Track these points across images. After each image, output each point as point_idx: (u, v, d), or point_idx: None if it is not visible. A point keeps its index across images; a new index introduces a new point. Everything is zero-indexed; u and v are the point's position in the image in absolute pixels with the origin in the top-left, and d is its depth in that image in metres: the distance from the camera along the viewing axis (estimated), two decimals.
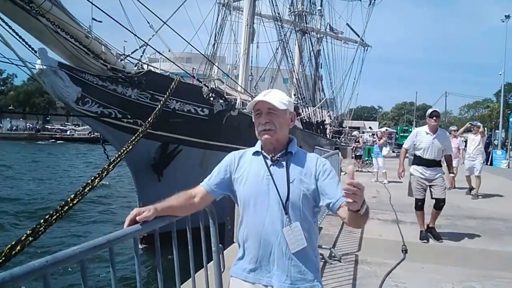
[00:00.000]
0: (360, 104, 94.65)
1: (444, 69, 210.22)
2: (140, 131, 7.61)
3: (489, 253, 5.30)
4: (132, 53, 9.89)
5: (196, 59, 24.10)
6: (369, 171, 15.24)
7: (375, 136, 16.20)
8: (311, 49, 33.73)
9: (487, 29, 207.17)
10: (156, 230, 1.81)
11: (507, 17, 28.36)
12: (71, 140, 59.64)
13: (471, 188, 9.86)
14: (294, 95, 25.80)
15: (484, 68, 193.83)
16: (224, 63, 28.89)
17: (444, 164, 6.07)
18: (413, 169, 5.95)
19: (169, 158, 10.21)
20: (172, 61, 10.24)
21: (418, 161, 5.85)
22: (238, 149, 1.99)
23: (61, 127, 68.62)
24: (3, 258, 4.35)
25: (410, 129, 35.57)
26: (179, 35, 10.04)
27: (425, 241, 5.68)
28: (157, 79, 9.76)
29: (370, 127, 44.64)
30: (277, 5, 23.30)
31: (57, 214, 5.36)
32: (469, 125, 10.06)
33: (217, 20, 24.90)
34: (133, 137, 7.27)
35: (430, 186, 5.74)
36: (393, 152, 27.13)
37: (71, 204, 5.51)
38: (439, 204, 5.68)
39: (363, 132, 35.42)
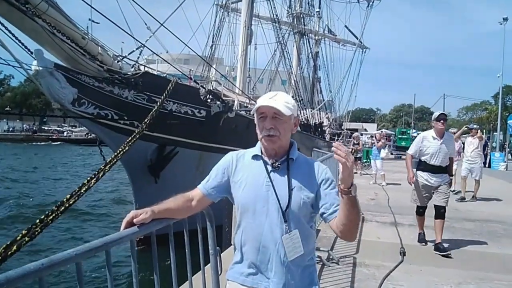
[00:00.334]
0: (358, 106, 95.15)
1: (442, 71, 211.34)
2: (136, 132, 7.57)
3: (487, 256, 5.30)
4: (129, 54, 9.85)
5: (194, 60, 24.04)
6: (367, 173, 15.23)
7: (373, 138, 16.19)
8: (309, 51, 33.82)
9: (485, 31, 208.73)
10: (153, 233, 1.80)
11: (505, 19, 28.42)
12: (68, 141, 59.56)
13: (462, 198, 9.68)
14: (292, 97, 25.69)
15: (482, 71, 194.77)
16: (222, 64, 28.91)
17: None
18: (417, 175, 5.68)
19: (166, 160, 10.17)
20: (169, 63, 10.21)
21: (424, 167, 5.57)
22: (235, 151, 1.95)
23: (58, 129, 68.55)
24: None
25: (408, 131, 35.76)
26: (176, 37, 10.01)
27: (423, 243, 5.61)
28: (154, 80, 9.73)
29: (365, 129, 44.73)
30: (275, 7, 23.40)
31: (53, 215, 5.33)
32: (466, 128, 10.03)
33: (215, 22, 24.97)
34: (130, 138, 7.23)
35: (432, 193, 5.55)
36: (391, 154, 27.20)
37: (67, 205, 5.48)
38: (440, 211, 5.43)
39: (361, 134, 35.43)
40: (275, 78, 30.34)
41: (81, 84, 8.47)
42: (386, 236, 6.06)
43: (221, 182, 1.86)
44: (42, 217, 5.35)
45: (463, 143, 10.87)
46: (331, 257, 4.85)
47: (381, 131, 20.01)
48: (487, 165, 20.58)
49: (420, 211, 5.72)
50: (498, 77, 30.87)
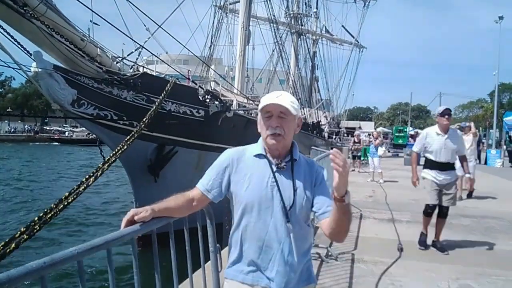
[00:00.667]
0: (356, 105, 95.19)
1: (438, 69, 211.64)
2: (135, 131, 7.60)
3: (484, 251, 5.36)
4: (128, 55, 9.90)
5: (193, 61, 24.06)
6: (365, 171, 15.30)
7: (371, 136, 16.26)
8: (307, 51, 33.89)
9: (481, 30, 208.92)
10: (154, 231, 1.80)
11: (501, 18, 28.51)
12: (70, 142, 59.46)
13: (459, 197, 9.66)
14: None
15: (478, 69, 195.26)
16: (221, 64, 28.93)
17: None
18: (425, 174, 5.43)
19: (165, 159, 10.21)
20: (167, 63, 10.25)
21: (430, 164, 5.33)
22: None
23: (60, 129, 68.43)
24: None
25: (405, 129, 35.75)
26: (174, 38, 10.07)
27: (423, 248, 5.34)
28: (152, 81, 9.76)
29: (359, 127, 44.80)
30: (272, 8, 23.43)
31: (52, 212, 5.35)
32: (458, 126, 10.01)
33: (213, 22, 24.98)
34: (128, 137, 7.26)
35: (442, 192, 5.31)
36: (389, 152, 27.26)
37: (65, 203, 5.50)
38: (443, 211, 5.33)
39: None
40: (273, 78, 30.37)
41: (80, 85, 8.50)
42: (384, 233, 6.12)
43: (222, 181, 1.84)
44: (41, 214, 5.36)
45: None
46: (329, 253, 4.90)
47: (375, 130, 20.11)
48: (483, 162, 20.69)
49: (428, 212, 5.42)
50: (494, 75, 30.96)
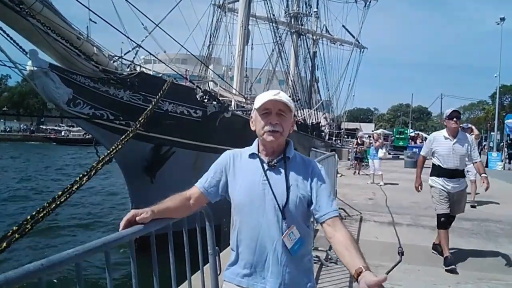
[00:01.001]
0: (356, 106, 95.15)
1: (439, 71, 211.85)
2: (130, 130, 7.50)
3: (485, 255, 5.29)
4: (124, 54, 9.82)
5: (191, 60, 23.98)
6: (366, 174, 15.23)
7: (371, 138, 16.20)
8: (307, 51, 33.81)
9: (482, 31, 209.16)
10: (153, 233, 1.80)
11: (502, 19, 28.45)
12: (66, 141, 59.37)
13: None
14: (290, 96, 25.75)
15: (479, 70, 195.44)
16: (220, 64, 28.88)
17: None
18: (432, 181, 5.01)
19: (162, 160, 10.11)
20: (164, 63, 10.16)
21: (438, 171, 4.91)
22: None
23: (56, 128, 68.35)
24: None
25: (406, 131, 35.74)
26: (172, 38, 9.98)
27: (453, 269, 4.55)
28: (149, 80, 9.68)
29: (357, 128, 44.85)
30: (272, 7, 23.37)
31: (44, 211, 5.29)
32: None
33: (212, 21, 24.93)
34: (123, 136, 7.17)
35: (452, 201, 4.90)
36: (389, 154, 27.20)
37: (58, 202, 5.44)
38: (450, 220, 4.99)
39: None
40: (272, 78, 30.32)
41: (76, 84, 8.41)
42: (384, 236, 6.04)
43: (219, 181, 1.85)
44: (33, 213, 5.32)
45: None
46: (329, 256, 4.83)
47: (375, 132, 20.04)
48: (484, 164, 20.60)
49: (442, 221, 4.81)
50: (496, 76, 30.93)
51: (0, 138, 57.97)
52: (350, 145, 26.12)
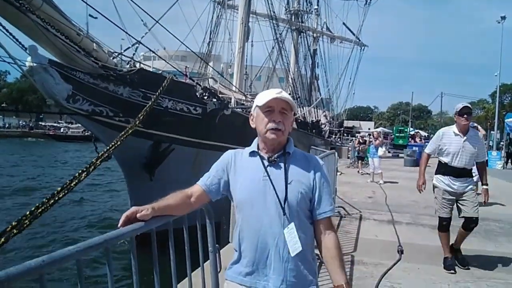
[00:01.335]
0: (356, 104, 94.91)
1: (440, 69, 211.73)
2: (129, 127, 7.48)
3: (484, 254, 5.26)
4: (124, 51, 9.79)
5: (191, 57, 23.93)
6: (366, 172, 15.21)
7: (371, 136, 16.16)
8: (307, 48, 33.75)
9: (483, 30, 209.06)
10: (153, 230, 1.80)
11: (503, 18, 28.40)
12: (65, 138, 59.21)
13: None
14: (290, 94, 25.72)
15: (479, 69, 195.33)
16: (220, 61, 28.80)
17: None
18: (437, 180, 4.78)
19: (161, 157, 10.10)
20: (164, 60, 10.13)
21: (444, 169, 4.67)
22: (231, 148, 1.95)
23: (55, 125, 68.17)
24: None
25: (406, 129, 35.68)
26: (172, 34, 9.94)
27: (452, 271, 4.53)
28: (149, 77, 9.65)
29: (353, 126, 44.81)
30: (272, 4, 23.33)
31: (43, 207, 5.29)
32: None
33: (212, 18, 24.85)
34: (122, 133, 7.15)
35: (457, 201, 4.65)
36: (389, 152, 27.17)
37: (57, 198, 5.44)
38: (470, 225, 4.58)
39: (358, 132, 35.44)
40: (272, 76, 30.27)
41: (75, 81, 8.39)
42: (384, 234, 6.02)
43: (221, 180, 1.86)
44: (32, 209, 5.31)
45: None
46: None
47: (374, 130, 20.03)
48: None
49: (444, 225, 4.68)
50: (496, 75, 30.94)
51: None
52: (350, 143, 26.12)
